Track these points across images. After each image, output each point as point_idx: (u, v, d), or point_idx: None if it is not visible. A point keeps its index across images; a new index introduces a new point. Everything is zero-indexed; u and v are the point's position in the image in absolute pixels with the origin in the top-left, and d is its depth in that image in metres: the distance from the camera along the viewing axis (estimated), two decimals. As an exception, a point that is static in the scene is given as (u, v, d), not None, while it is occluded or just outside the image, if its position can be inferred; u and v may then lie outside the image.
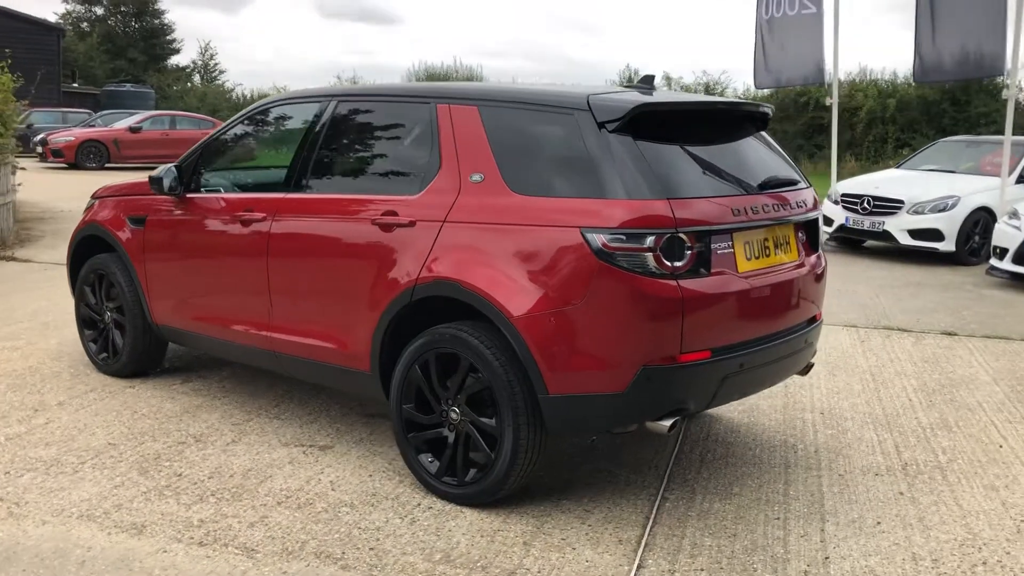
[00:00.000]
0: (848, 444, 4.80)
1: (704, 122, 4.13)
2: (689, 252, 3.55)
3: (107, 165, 25.32)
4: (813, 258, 4.32)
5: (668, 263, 3.50)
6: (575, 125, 3.69)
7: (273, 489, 4.08)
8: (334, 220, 4.34)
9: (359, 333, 4.22)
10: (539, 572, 3.39)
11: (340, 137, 4.60)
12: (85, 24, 50.84)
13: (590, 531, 3.72)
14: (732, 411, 5.30)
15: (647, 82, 4.27)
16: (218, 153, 5.18)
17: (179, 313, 5.25)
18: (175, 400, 5.32)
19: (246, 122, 5.11)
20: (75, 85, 42.50)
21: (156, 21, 51.57)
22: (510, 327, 3.65)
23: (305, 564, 3.41)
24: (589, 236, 3.50)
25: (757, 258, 3.89)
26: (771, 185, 4.03)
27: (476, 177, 3.90)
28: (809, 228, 4.35)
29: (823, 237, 4.51)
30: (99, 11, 51.72)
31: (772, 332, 3.97)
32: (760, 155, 4.24)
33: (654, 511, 3.93)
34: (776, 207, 3.98)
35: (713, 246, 3.66)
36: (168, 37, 51.85)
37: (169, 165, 5.11)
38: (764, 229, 3.94)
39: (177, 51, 52.76)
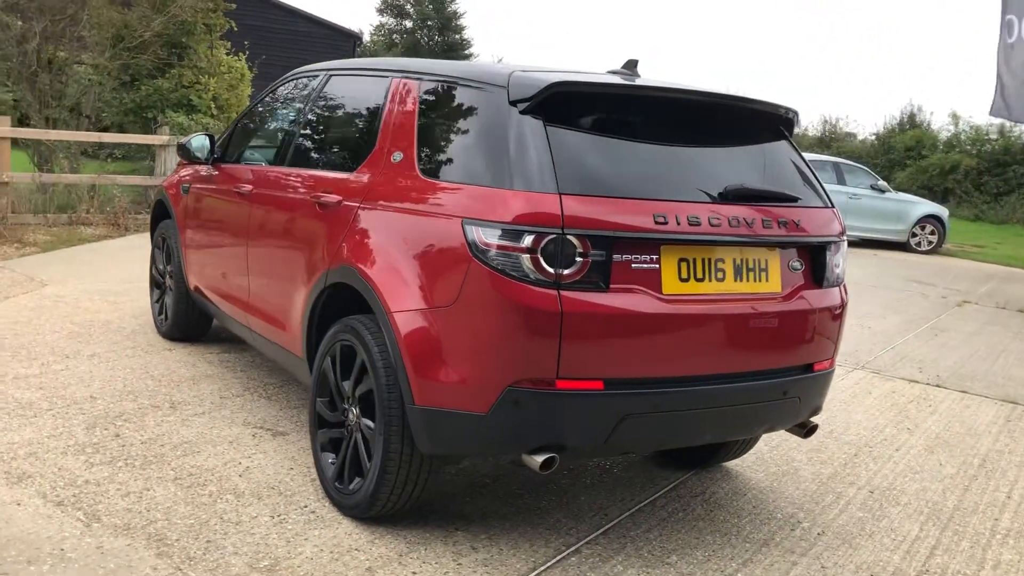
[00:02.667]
0: (870, 534, 3.86)
1: (657, 113, 3.41)
2: (581, 259, 2.94)
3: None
4: (814, 293, 3.48)
5: (550, 269, 2.92)
6: (490, 103, 3.22)
7: (186, 465, 3.92)
8: (289, 196, 4.15)
9: (295, 316, 3.99)
10: (351, 603, 2.95)
11: (319, 111, 4.39)
12: (396, 36, 54.89)
13: (455, 571, 3.21)
14: (760, 469, 4.47)
15: (630, 66, 3.66)
16: (249, 124, 5.15)
17: (201, 280, 5.29)
18: (194, 367, 5.36)
19: (272, 95, 5.04)
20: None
21: (457, 36, 54.63)
22: (387, 323, 3.24)
23: (127, 543, 3.20)
24: (468, 229, 3.01)
25: (700, 280, 3.17)
26: (741, 196, 3.28)
27: (396, 156, 3.52)
28: (814, 256, 3.52)
29: (839, 269, 3.61)
30: (408, 24, 55.67)
31: (716, 374, 3.22)
32: (744, 161, 3.49)
33: (547, 564, 3.32)
34: (745, 223, 3.23)
35: (622, 257, 3.02)
36: (465, 52, 54.68)
37: (202, 133, 5.15)
38: (719, 247, 3.21)
39: None
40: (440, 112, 3.52)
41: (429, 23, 54.59)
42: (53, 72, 11.38)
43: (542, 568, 3.29)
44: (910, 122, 31.48)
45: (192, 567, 3.07)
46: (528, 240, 2.90)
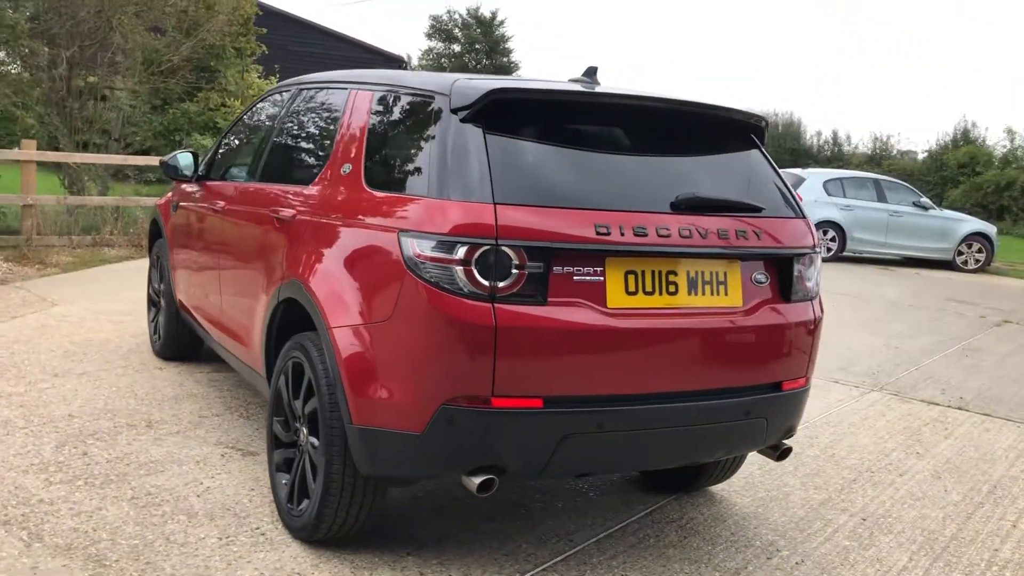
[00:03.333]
0: (852, 563, 3.64)
1: (605, 120, 3.27)
2: (516, 271, 2.81)
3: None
4: (781, 308, 3.30)
5: (484, 281, 2.79)
6: (433, 112, 3.12)
7: (146, 484, 3.86)
8: (253, 211, 4.10)
9: (256, 332, 3.92)
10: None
11: (287, 125, 4.34)
12: (444, 60, 55.30)
13: (396, 597, 3.08)
14: (747, 494, 4.27)
15: (590, 74, 3.54)
16: (231, 140, 5.13)
17: (186, 298, 5.26)
18: (180, 386, 5.33)
19: (251, 111, 5.01)
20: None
21: (504, 59, 54.86)
22: (327, 339, 3.14)
23: (64, 564, 3.12)
24: (403, 241, 2.91)
25: (650, 293, 3.01)
26: (694, 206, 3.11)
27: (346, 168, 3.44)
28: (782, 269, 3.34)
29: (811, 283, 3.41)
30: (456, 48, 56.11)
31: (668, 392, 3.06)
32: (703, 170, 3.33)
33: (495, 591, 3.18)
34: (698, 234, 3.07)
35: (563, 269, 2.88)
36: (513, 75, 54.81)
37: (186, 150, 5.14)
38: (670, 259, 3.06)
39: None
40: (387, 122, 3.44)
41: (477, 47, 54.96)
42: (83, 97, 11.61)
43: (489, 596, 3.14)
44: (964, 138, 30.70)
45: (123, 590, 2.98)
46: (461, 252, 2.78)
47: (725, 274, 3.16)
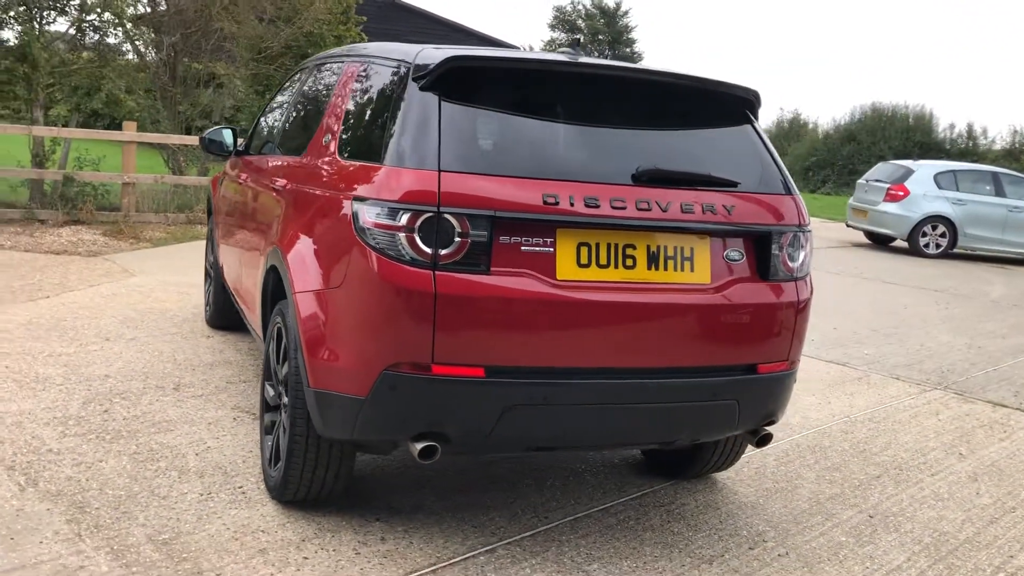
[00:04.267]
0: (841, 560, 3.47)
1: (569, 91, 3.18)
2: (459, 239, 2.80)
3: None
4: (757, 287, 3.17)
5: (426, 249, 2.80)
6: (398, 81, 3.14)
7: (152, 441, 4.04)
8: (262, 182, 4.22)
9: (256, 298, 4.04)
10: (225, 582, 2.93)
11: (299, 100, 4.44)
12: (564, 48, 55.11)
13: (350, 560, 3.13)
14: (753, 484, 4.13)
15: (573, 45, 3.48)
16: (265, 116, 5.28)
17: (224, 267, 5.46)
18: (220, 354, 5.54)
19: (282, 87, 5.14)
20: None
21: (628, 49, 54.31)
22: (292, 304, 3.22)
23: (47, 508, 3.31)
24: (356, 208, 2.94)
25: (604, 266, 2.95)
26: (656, 179, 3.02)
27: (326, 139, 3.51)
28: (760, 246, 3.20)
29: (795, 262, 3.27)
30: (580, 38, 55.87)
31: (622, 367, 2.99)
32: (674, 143, 3.22)
33: (449, 561, 3.19)
34: (659, 207, 2.98)
35: (510, 239, 2.85)
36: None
37: (225, 126, 5.32)
38: (627, 232, 2.98)
39: None
40: (362, 93, 3.48)
41: (600, 37, 54.67)
42: (187, 83, 12.18)
43: (442, 564, 3.15)
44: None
45: (92, 534, 3.14)
46: (404, 218, 2.79)
47: (692, 250, 3.06)
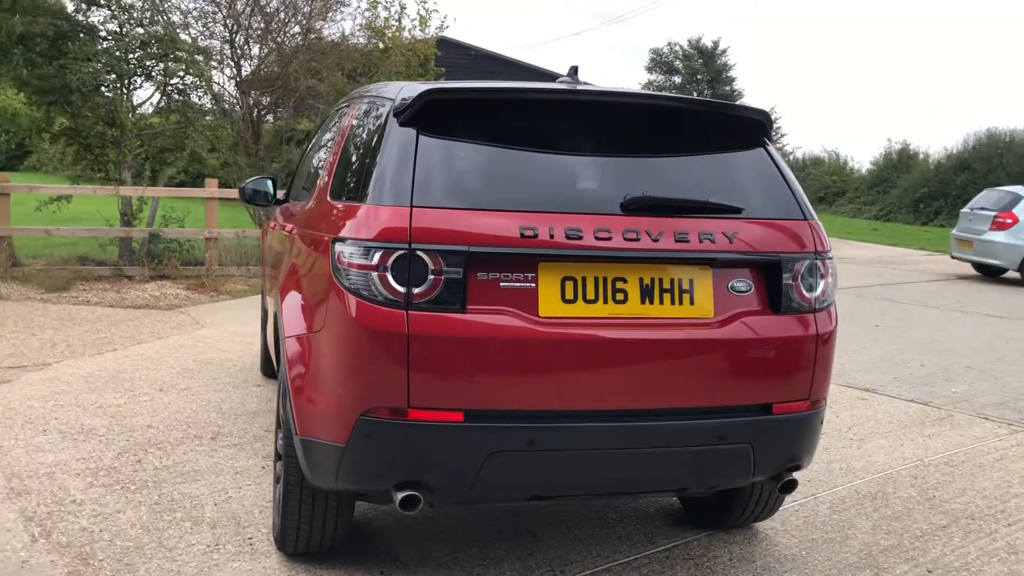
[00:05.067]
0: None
1: (556, 120, 3.04)
2: (433, 277, 2.68)
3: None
4: (767, 320, 2.93)
5: (399, 287, 2.68)
6: (383, 118, 3.07)
7: (175, 491, 4.02)
8: (280, 227, 4.21)
9: (271, 348, 4.01)
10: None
11: (318, 144, 4.44)
12: (665, 92, 54.79)
13: (342, 615, 3.00)
14: (799, 534, 3.82)
15: (572, 72, 3.35)
16: (302, 162, 5.31)
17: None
18: (265, 403, 5.54)
19: (316, 133, 5.16)
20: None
21: (727, 88, 53.65)
22: (283, 349, 3.15)
23: (52, 560, 3.30)
24: (335, 248, 2.86)
25: (591, 302, 2.77)
26: (645, 207, 2.84)
27: (323, 181, 3.46)
28: (770, 276, 2.97)
29: (813, 292, 3.01)
30: (677, 80, 55.61)
31: (616, 409, 2.79)
32: (671, 169, 3.03)
33: (446, 617, 3.02)
34: (649, 236, 2.79)
35: (488, 275, 2.71)
36: (737, 103, 53.15)
37: (264, 176, 5.37)
38: (616, 265, 2.80)
39: None
40: (356, 132, 3.42)
41: (699, 77, 54.24)
42: (267, 139, 12.56)
43: (437, 622, 2.98)
44: None
45: (88, 587, 3.10)
46: (376, 257, 2.69)
47: (691, 281, 2.86)
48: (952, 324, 9.81)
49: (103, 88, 10.34)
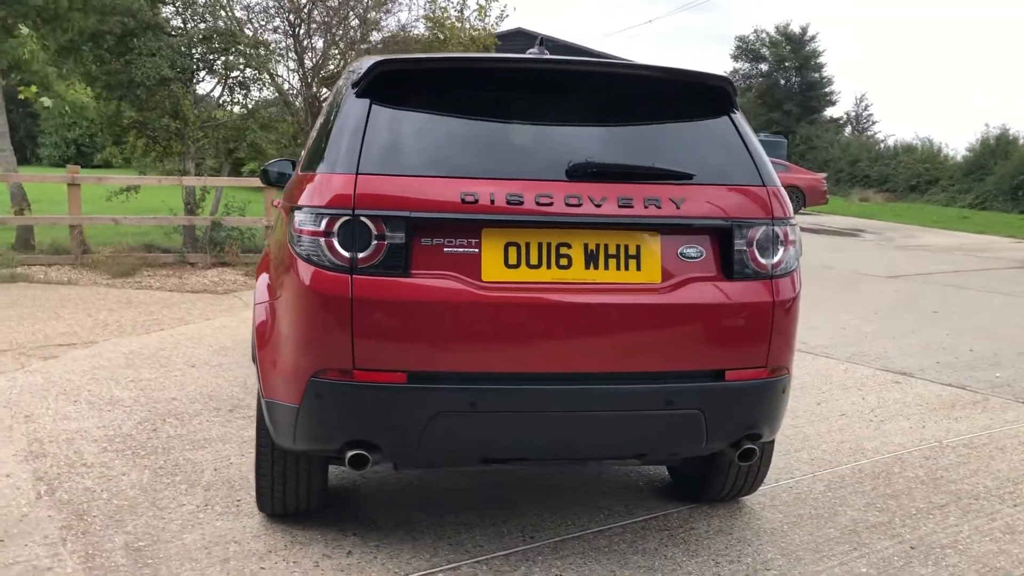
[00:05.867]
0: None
1: (505, 88, 3.07)
2: (376, 242, 2.76)
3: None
4: (718, 286, 2.91)
5: (344, 253, 2.77)
6: (345, 91, 3.16)
7: (181, 457, 4.20)
8: (277, 207, 4.34)
9: None
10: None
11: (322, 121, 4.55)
12: (750, 80, 53.55)
13: (308, 571, 3.11)
14: (786, 509, 3.78)
15: (540, 43, 3.38)
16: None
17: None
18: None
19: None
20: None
21: (815, 75, 52.13)
22: (253, 315, 3.28)
23: (48, 515, 3.49)
24: (292, 216, 2.97)
25: (535, 267, 2.81)
26: (591, 173, 2.85)
27: (301, 154, 3.57)
28: (723, 242, 2.95)
29: (769, 259, 2.98)
30: (764, 67, 54.32)
31: (556, 372, 2.82)
32: (618, 136, 3.04)
33: (405, 576, 3.10)
34: (591, 202, 2.81)
35: (432, 240, 2.77)
36: (825, 90, 51.71)
37: (285, 159, 5.52)
38: (560, 230, 2.83)
39: (832, 103, 52.20)
40: (328, 106, 3.52)
41: (786, 64, 52.92)
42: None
43: (394, 580, 3.07)
44: None
45: (75, 540, 3.29)
46: (324, 223, 2.78)
47: (638, 247, 2.87)
48: (1018, 312, 9.43)
49: (167, 82, 10.74)
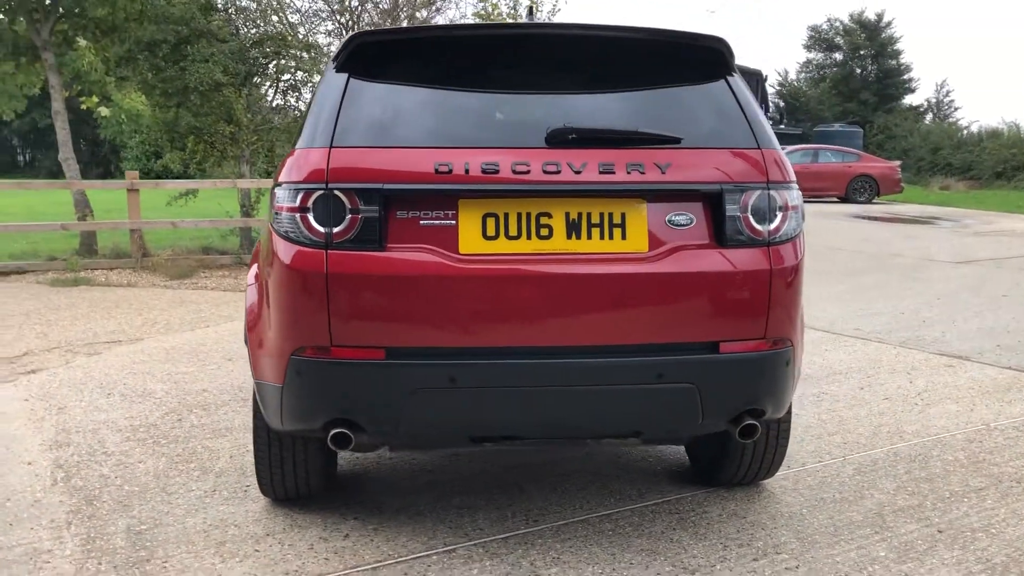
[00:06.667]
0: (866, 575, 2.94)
1: (483, 56, 2.99)
2: (350, 216, 2.71)
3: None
4: (709, 254, 2.78)
5: (319, 227, 2.73)
6: (329, 65, 3.13)
7: (200, 446, 4.23)
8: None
9: None
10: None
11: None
12: (824, 71, 52.24)
13: (303, 555, 3.09)
14: (809, 494, 3.62)
15: (528, 13, 3.30)
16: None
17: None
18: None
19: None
20: (781, 126, 44.64)
21: (892, 62, 50.62)
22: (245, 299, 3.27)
23: (60, 500, 3.54)
24: (273, 194, 2.95)
25: (514, 238, 2.72)
26: (576, 139, 2.75)
27: (299, 135, 3.55)
28: (715, 207, 2.82)
29: (765, 225, 2.84)
30: (838, 56, 52.98)
31: (538, 346, 2.72)
32: (602, 102, 2.93)
33: (399, 559, 3.05)
34: (570, 169, 2.71)
35: (407, 213, 2.71)
36: (903, 77, 50.21)
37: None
38: (538, 199, 2.73)
39: (911, 90, 50.74)
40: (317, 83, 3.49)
41: (861, 52, 51.53)
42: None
43: (388, 562, 3.02)
44: None
45: (80, 524, 3.33)
46: (299, 199, 2.75)
47: (623, 215, 2.75)
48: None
49: (220, 87, 10.95)
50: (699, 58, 3.01)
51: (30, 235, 13.31)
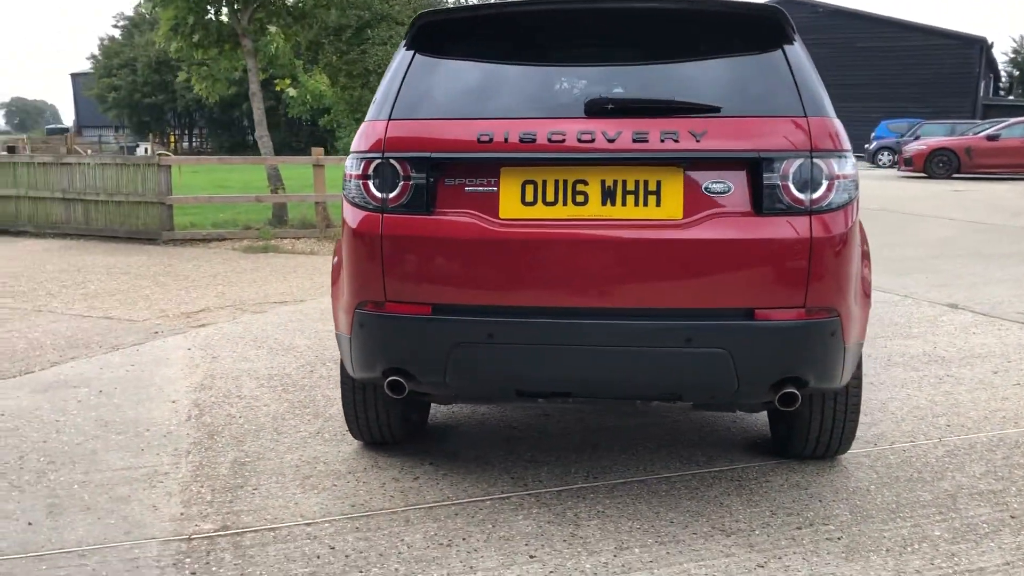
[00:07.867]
0: (901, 552, 2.90)
1: (537, 31, 3.13)
2: (403, 183, 2.97)
3: (955, 175, 24.55)
4: (744, 221, 2.81)
5: (377, 193, 3.01)
6: (401, 44, 3.40)
7: (318, 395, 4.67)
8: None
9: None
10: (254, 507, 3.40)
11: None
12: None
13: (362, 493, 3.41)
14: (883, 471, 3.55)
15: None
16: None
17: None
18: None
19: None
20: (1010, 97, 41.16)
21: None
22: (334, 260, 3.62)
23: (188, 432, 4.07)
24: (347, 164, 3.26)
25: (551, 204, 2.87)
26: (614, 108, 2.86)
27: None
28: (753, 175, 2.85)
29: (807, 193, 2.83)
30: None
31: (571, 306, 2.87)
32: (651, 74, 3.00)
33: (452, 502, 3.31)
34: (605, 138, 2.82)
35: (455, 180, 2.93)
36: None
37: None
38: (575, 167, 2.87)
39: None
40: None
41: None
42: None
43: (443, 503, 3.28)
44: None
45: (197, 453, 3.80)
46: (361, 167, 3.04)
47: (659, 183, 2.84)
48: None
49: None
50: (754, 29, 3.02)
51: (236, 206, 14.61)
